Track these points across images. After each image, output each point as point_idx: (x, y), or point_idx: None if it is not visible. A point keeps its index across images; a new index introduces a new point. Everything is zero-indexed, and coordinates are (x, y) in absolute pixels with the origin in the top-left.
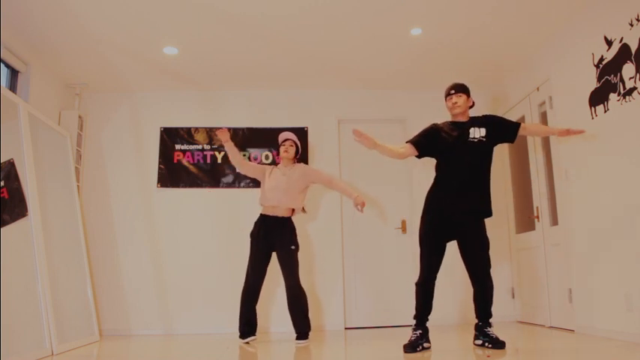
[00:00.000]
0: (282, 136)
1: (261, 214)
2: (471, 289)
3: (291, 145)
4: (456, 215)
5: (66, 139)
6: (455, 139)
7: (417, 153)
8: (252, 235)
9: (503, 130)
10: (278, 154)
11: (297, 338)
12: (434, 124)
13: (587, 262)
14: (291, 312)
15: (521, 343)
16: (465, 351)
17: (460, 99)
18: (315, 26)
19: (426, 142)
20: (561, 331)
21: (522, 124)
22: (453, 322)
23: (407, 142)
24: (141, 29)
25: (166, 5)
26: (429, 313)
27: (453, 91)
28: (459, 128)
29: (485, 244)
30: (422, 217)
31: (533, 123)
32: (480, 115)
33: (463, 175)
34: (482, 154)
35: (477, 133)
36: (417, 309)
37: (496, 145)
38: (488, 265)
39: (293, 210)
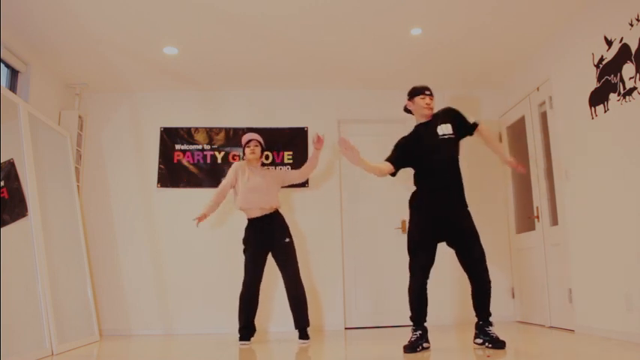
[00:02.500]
0: (246, 137)
1: (248, 219)
2: (469, 289)
3: (257, 146)
4: (442, 211)
5: (66, 139)
6: (426, 139)
7: (393, 170)
8: (245, 241)
9: (463, 126)
10: (243, 155)
11: (300, 337)
12: (401, 139)
13: (587, 262)
14: (293, 307)
15: (521, 343)
16: (464, 351)
17: (432, 101)
18: (315, 26)
19: (400, 157)
20: (561, 331)
21: (480, 127)
22: (452, 322)
23: (385, 160)
24: (141, 29)
25: (166, 5)
26: (426, 315)
27: (428, 92)
28: (427, 128)
29: (476, 235)
30: (410, 221)
31: (489, 131)
32: (440, 109)
33: (441, 172)
34: (452, 148)
35: (445, 129)
36: (413, 312)
37: (461, 139)
38: (484, 258)
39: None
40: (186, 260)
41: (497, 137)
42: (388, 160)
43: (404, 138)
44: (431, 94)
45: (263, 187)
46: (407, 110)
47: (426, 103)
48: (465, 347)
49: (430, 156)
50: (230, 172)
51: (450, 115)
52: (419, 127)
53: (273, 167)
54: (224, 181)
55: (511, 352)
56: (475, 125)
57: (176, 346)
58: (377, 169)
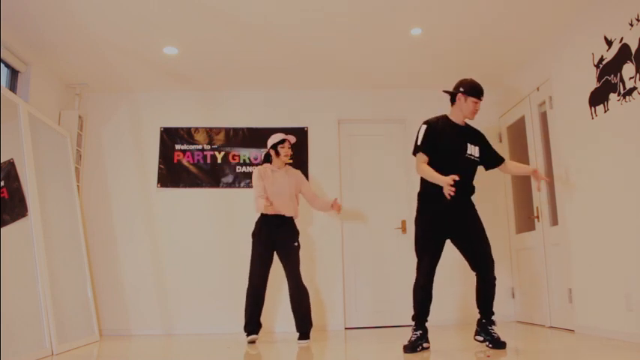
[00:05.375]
0: (279, 136)
1: (262, 214)
2: (471, 289)
3: (289, 147)
4: (451, 209)
5: (66, 139)
6: (453, 148)
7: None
8: (254, 234)
9: (488, 157)
10: (277, 154)
11: (300, 338)
12: (429, 123)
13: (587, 262)
14: (294, 310)
15: (521, 343)
16: (464, 351)
17: (479, 106)
18: (315, 26)
19: (431, 148)
20: (561, 331)
21: (505, 161)
22: (452, 322)
23: (419, 153)
24: (141, 29)
25: (166, 5)
26: (429, 314)
27: (482, 97)
28: (457, 135)
29: (483, 229)
30: (418, 219)
31: (512, 162)
32: (475, 128)
33: (459, 180)
34: (473, 168)
35: (473, 150)
36: (416, 311)
37: (481, 165)
38: (490, 253)
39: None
40: (186, 260)
41: (517, 163)
42: (423, 151)
43: (432, 125)
44: (482, 99)
45: (286, 193)
46: (452, 96)
47: (476, 110)
48: (465, 347)
49: (453, 163)
50: (258, 182)
51: (481, 139)
52: (449, 124)
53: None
54: (257, 192)
55: (511, 352)
56: (502, 159)
57: (176, 346)
58: (434, 175)
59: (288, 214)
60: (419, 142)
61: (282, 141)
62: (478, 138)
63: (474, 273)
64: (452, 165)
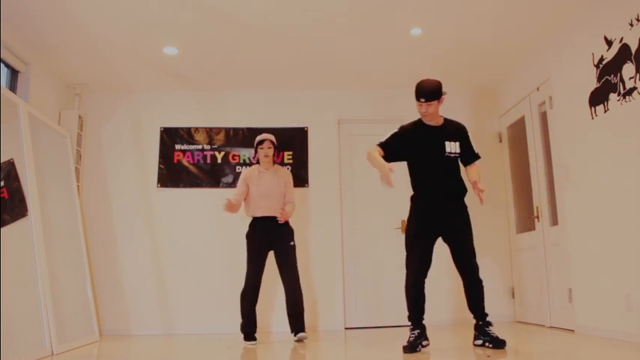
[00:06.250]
0: (258, 138)
1: (254, 217)
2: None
3: (270, 147)
4: (442, 209)
5: (66, 139)
6: (430, 150)
7: (382, 155)
8: (248, 235)
9: (466, 152)
10: (256, 158)
11: (297, 333)
12: (401, 129)
13: (587, 262)
14: (290, 310)
15: (522, 343)
16: (464, 351)
17: (430, 107)
18: (315, 26)
19: (394, 150)
20: (561, 331)
21: (475, 162)
22: (450, 322)
23: (377, 146)
24: (141, 29)
25: (166, 5)
26: (424, 312)
27: (422, 100)
28: (433, 137)
29: (470, 235)
30: (409, 219)
31: (476, 167)
32: (455, 122)
33: (440, 181)
34: (456, 164)
35: (452, 147)
36: (410, 310)
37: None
38: (474, 260)
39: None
40: (186, 260)
41: (476, 171)
42: (381, 145)
43: (404, 130)
44: (427, 101)
45: (274, 195)
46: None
47: (422, 112)
48: (464, 347)
49: (429, 167)
50: (240, 183)
51: (461, 133)
52: (422, 127)
53: (285, 167)
54: (237, 194)
55: (511, 352)
56: (476, 157)
57: (176, 346)
58: (378, 158)
59: (276, 214)
60: (382, 139)
61: (261, 142)
62: (457, 133)
63: (461, 275)
64: (433, 167)
